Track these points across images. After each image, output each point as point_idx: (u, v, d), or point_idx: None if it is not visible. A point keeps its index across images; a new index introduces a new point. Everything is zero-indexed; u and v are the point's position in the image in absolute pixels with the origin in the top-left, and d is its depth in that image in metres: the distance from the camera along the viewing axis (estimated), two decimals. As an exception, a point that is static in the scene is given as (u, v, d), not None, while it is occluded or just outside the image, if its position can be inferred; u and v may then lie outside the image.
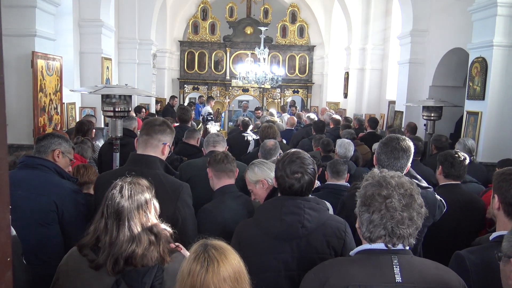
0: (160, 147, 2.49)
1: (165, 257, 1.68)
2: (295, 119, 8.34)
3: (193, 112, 9.53)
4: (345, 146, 4.50)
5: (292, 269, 1.94)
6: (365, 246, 1.57)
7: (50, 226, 2.49)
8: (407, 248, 1.55)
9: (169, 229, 1.81)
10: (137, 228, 1.64)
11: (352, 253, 1.62)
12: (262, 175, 2.62)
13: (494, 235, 1.93)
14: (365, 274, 1.49)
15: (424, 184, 2.57)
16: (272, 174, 2.51)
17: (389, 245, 1.52)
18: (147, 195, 1.72)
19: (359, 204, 1.60)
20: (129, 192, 1.66)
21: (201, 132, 5.99)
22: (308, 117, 8.32)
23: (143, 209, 1.68)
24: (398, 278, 1.46)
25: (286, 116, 10.00)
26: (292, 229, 1.95)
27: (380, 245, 1.54)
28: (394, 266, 1.48)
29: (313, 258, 1.92)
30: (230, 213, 2.57)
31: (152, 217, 1.72)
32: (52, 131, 2.82)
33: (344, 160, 3.66)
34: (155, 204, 1.76)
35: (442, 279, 1.50)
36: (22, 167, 2.59)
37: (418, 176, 2.60)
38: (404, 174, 2.22)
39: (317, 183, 3.90)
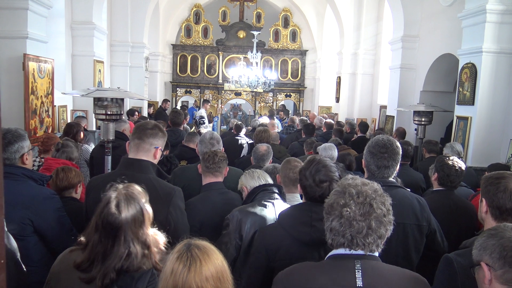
0: (152, 151, 2.48)
1: (158, 267, 1.65)
2: (274, 121, 8.42)
3: (188, 116, 9.53)
4: (329, 149, 4.57)
5: None
6: (334, 251, 1.60)
7: (27, 238, 2.40)
8: (376, 254, 1.56)
9: (163, 236, 1.78)
10: (133, 244, 1.61)
11: (326, 257, 1.65)
12: (245, 183, 2.79)
13: None
14: (326, 277, 1.51)
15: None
16: (254, 182, 2.69)
17: (352, 251, 1.54)
18: (142, 207, 1.68)
19: (324, 211, 1.64)
20: (125, 208, 1.62)
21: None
22: (301, 120, 8.37)
23: (138, 223, 1.65)
24: (359, 283, 1.47)
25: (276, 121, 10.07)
26: (323, 235, 1.96)
27: (346, 250, 1.55)
28: (356, 271, 1.49)
29: None
30: (212, 206, 2.78)
31: (146, 229, 1.69)
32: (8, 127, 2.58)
33: (343, 165, 3.70)
34: (149, 211, 1.73)
35: (409, 284, 1.52)
36: None
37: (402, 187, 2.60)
38: (387, 185, 2.24)
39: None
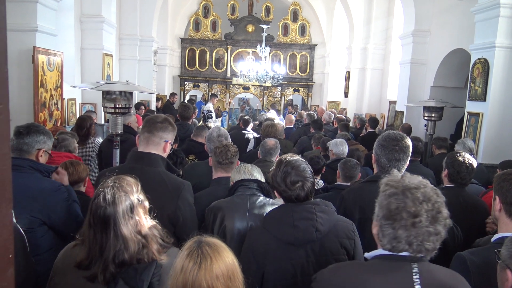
0: (161, 145, 2.48)
1: (156, 257, 1.64)
2: (293, 117, 8.36)
3: (196, 109, 9.52)
4: (341, 144, 4.55)
5: (309, 273, 1.89)
6: (383, 251, 1.49)
7: (35, 229, 2.39)
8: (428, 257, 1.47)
9: (160, 228, 1.75)
10: (127, 234, 1.59)
11: (368, 256, 1.54)
12: (232, 177, 2.74)
13: (496, 236, 1.93)
14: (381, 281, 1.42)
15: None
16: (239, 176, 2.62)
17: (413, 254, 1.44)
18: (132, 197, 1.65)
19: (381, 215, 1.48)
20: (112, 198, 1.59)
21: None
22: (308, 115, 8.32)
23: (129, 214, 1.62)
24: (418, 287, 1.38)
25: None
26: (306, 234, 1.94)
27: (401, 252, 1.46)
28: (413, 274, 1.39)
29: (328, 260, 1.91)
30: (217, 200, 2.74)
31: (141, 219, 1.66)
32: (34, 123, 2.58)
33: (355, 163, 3.65)
34: (142, 201, 1.70)
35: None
36: None
37: None
38: None
39: (320, 183, 3.89)
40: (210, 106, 11.21)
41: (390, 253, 1.46)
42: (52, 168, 2.64)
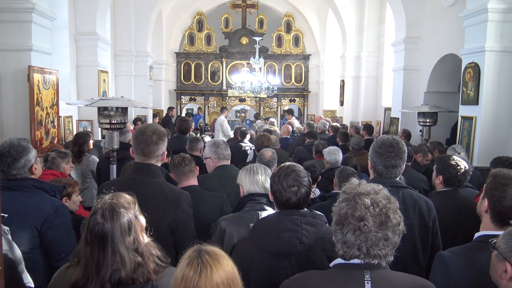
0: (159, 160, 2.53)
1: (152, 277, 1.63)
2: (290, 127, 8.35)
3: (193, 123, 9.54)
4: (334, 153, 4.51)
5: None
6: (340, 260, 1.55)
7: (33, 251, 2.39)
8: (383, 264, 1.51)
9: (157, 248, 1.75)
10: (124, 252, 1.59)
11: (331, 264, 1.60)
12: (240, 181, 2.66)
13: (477, 234, 1.96)
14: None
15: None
16: (251, 188, 2.56)
17: (365, 260, 1.49)
18: (130, 214, 1.65)
19: (333, 221, 1.56)
20: (110, 215, 1.59)
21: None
22: (308, 124, 8.34)
23: (126, 230, 1.61)
24: None
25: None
26: (290, 245, 1.94)
27: (355, 260, 1.51)
28: (365, 282, 1.45)
29: None
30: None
31: (138, 236, 1.66)
32: (11, 139, 2.57)
33: (352, 171, 3.64)
34: (139, 219, 1.70)
35: None
36: None
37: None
38: (395, 186, 2.22)
39: (316, 191, 3.90)
40: (222, 118, 11.18)
41: (345, 261, 1.52)
42: (58, 188, 2.67)
